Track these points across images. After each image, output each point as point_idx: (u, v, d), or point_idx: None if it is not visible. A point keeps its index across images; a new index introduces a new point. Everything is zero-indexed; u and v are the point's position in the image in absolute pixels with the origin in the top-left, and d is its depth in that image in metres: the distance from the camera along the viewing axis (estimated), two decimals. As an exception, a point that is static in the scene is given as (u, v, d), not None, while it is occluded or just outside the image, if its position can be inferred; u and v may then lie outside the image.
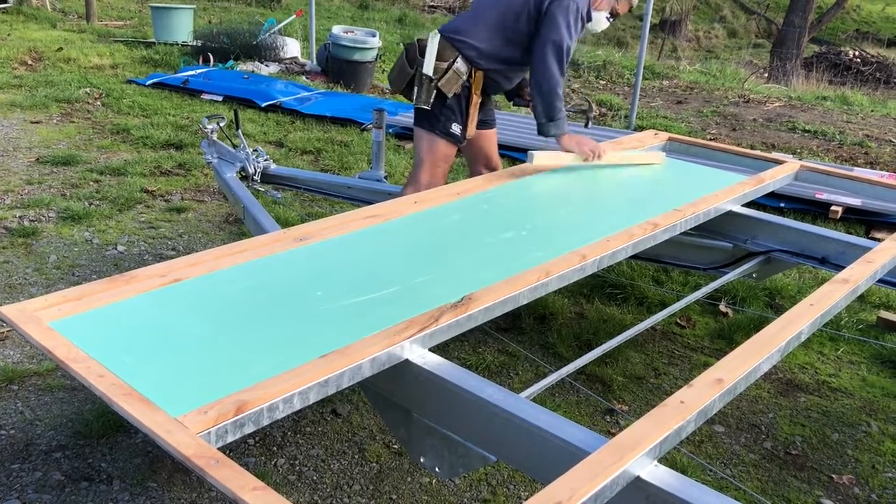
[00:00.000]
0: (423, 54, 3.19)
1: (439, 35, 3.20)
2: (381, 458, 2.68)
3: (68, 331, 1.78)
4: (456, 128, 3.28)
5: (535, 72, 3.18)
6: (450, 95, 3.21)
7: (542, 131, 3.24)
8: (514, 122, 6.59)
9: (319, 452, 2.69)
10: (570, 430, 1.65)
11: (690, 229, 3.00)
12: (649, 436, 1.59)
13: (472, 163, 3.67)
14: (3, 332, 3.25)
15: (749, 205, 3.34)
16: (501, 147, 6.17)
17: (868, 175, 4.92)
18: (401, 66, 3.31)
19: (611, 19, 3.40)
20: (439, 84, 3.18)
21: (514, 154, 6.17)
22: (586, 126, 3.92)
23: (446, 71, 3.18)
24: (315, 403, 2.18)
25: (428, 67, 3.17)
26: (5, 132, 6.03)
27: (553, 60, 3.11)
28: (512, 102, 3.74)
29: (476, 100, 3.29)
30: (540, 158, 3.23)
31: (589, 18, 3.27)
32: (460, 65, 3.19)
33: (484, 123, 3.49)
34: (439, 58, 3.19)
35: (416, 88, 3.24)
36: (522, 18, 3.18)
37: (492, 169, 3.64)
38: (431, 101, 3.22)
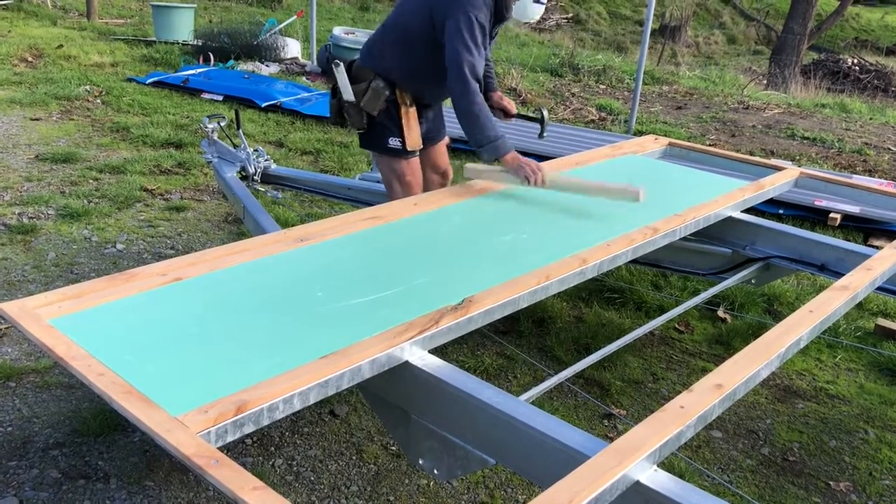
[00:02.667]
0: (337, 82, 3.21)
1: (341, 63, 3.19)
2: (379, 459, 2.68)
3: (68, 328, 1.77)
4: (394, 141, 3.24)
5: (451, 98, 3.04)
6: (375, 113, 3.20)
7: (480, 156, 3.07)
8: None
9: (317, 453, 2.69)
10: (568, 434, 1.66)
11: (690, 234, 3.01)
12: (649, 440, 1.59)
13: (422, 167, 3.62)
14: (1, 329, 3.24)
15: (748, 211, 3.35)
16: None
17: (867, 183, 4.93)
18: (331, 100, 3.34)
19: (544, 2, 3.10)
20: (362, 105, 3.18)
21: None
22: (540, 137, 3.67)
23: (366, 91, 3.17)
24: (313, 404, 2.18)
25: (347, 94, 3.19)
26: (5, 129, 6.02)
27: (458, 83, 2.94)
28: None
29: (405, 110, 3.22)
30: (474, 173, 3.07)
31: (507, 11, 3.06)
32: (378, 83, 3.16)
33: (430, 139, 3.41)
34: (357, 80, 3.18)
35: (346, 116, 3.27)
36: (425, 36, 3.07)
37: (440, 173, 3.61)
38: (364, 122, 3.23)
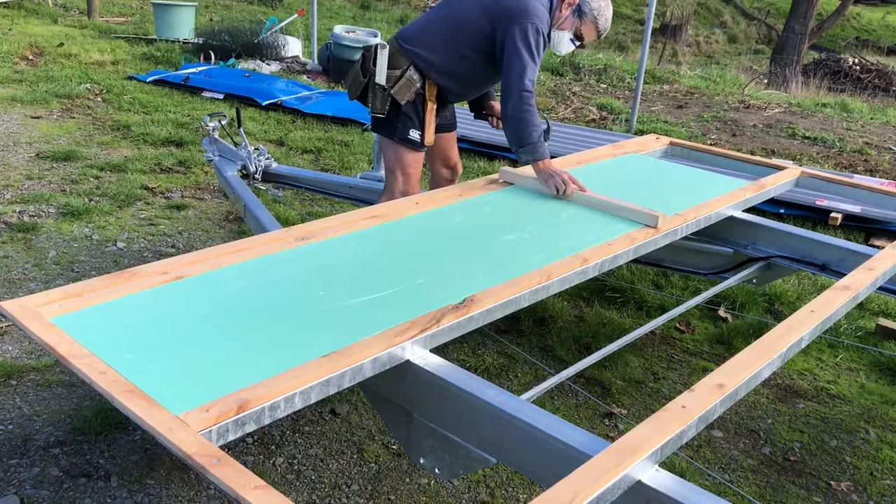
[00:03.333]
0: (375, 63, 3.15)
1: (388, 46, 3.17)
2: (380, 458, 2.68)
3: (70, 327, 1.77)
4: (414, 134, 3.24)
5: (502, 99, 3.10)
6: (403, 103, 3.18)
7: (517, 158, 3.13)
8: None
9: (318, 452, 2.69)
10: (570, 433, 1.66)
11: (691, 234, 3.00)
12: (651, 440, 1.59)
13: (431, 163, 3.66)
14: (2, 328, 3.24)
15: (750, 210, 3.35)
16: (479, 145, 6.23)
17: (869, 182, 4.92)
18: (354, 75, 3.27)
19: (576, 43, 3.25)
20: (392, 92, 3.16)
21: (489, 151, 6.21)
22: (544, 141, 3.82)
23: (399, 79, 3.15)
24: (314, 403, 2.18)
25: (380, 77, 3.15)
26: (6, 127, 6.02)
27: (517, 88, 3.00)
28: (474, 115, 3.71)
29: (430, 106, 3.24)
30: (508, 175, 3.10)
31: (549, 39, 3.17)
32: (412, 73, 3.16)
33: (442, 128, 3.46)
34: (392, 66, 3.15)
35: (370, 96, 3.22)
36: (477, 37, 3.11)
37: (451, 168, 3.65)
38: (387, 108, 3.20)
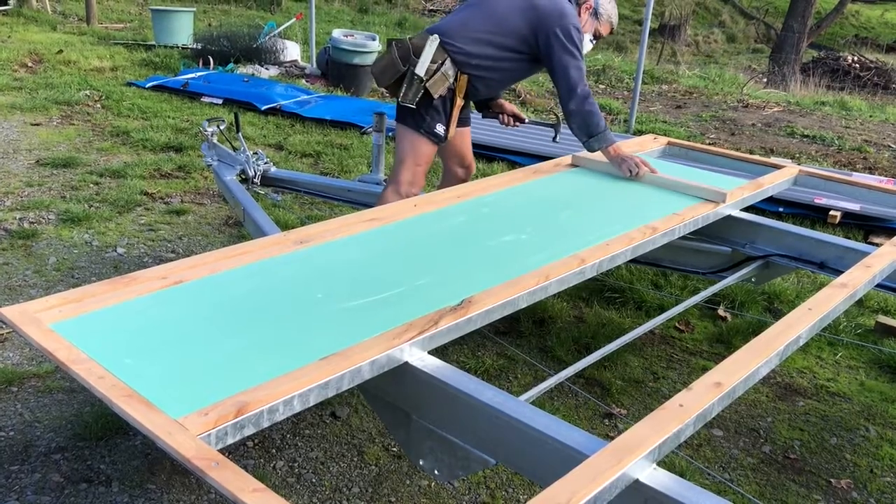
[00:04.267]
0: (417, 54, 3.20)
1: (438, 39, 3.21)
2: (380, 460, 2.69)
3: (69, 332, 1.78)
4: (440, 128, 3.30)
5: (563, 98, 3.26)
6: (436, 96, 3.23)
7: (587, 148, 3.34)
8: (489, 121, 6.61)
9: (318, 455, 2.69)
10: (568, 434, 1.66)
11: (689, 233, 3.01)
12: (648, 439, 1.59)
13: (445, 160, 3.71)
14: (3, 334, 3.25)
15: (748, 209, 3.35)
16: (478, 146, 6.22)
17: (867, 180, 4.93)
18: (390, 63, 3.29)
19: (594, 41, 3.48)
20: (427, 84, 3.20)
21: (487, 153, 6.21)
22: (554, 140, 3.98)
23: (435, 72, 3.20)
24: (314, 406, 2.18)
25: (421, 68, 3.18)
26: (5, 134, 6.03)
27: (574, 82, 3.19)
28: (482, 115, 3.82)
29: (459, 102, 3.32)
30: (580, 160, 3.39)
31: None
32: (448, 67, 3.22)
33: (461, 121, 3.53)
34: (430, 59, 3.21)
35: (404, 86, 3.24)
36: (516, 38, 3.23)
37: (465, 167, 3.71)
38: (418, 100, 3.23)
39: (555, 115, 3.77)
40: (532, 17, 3.19)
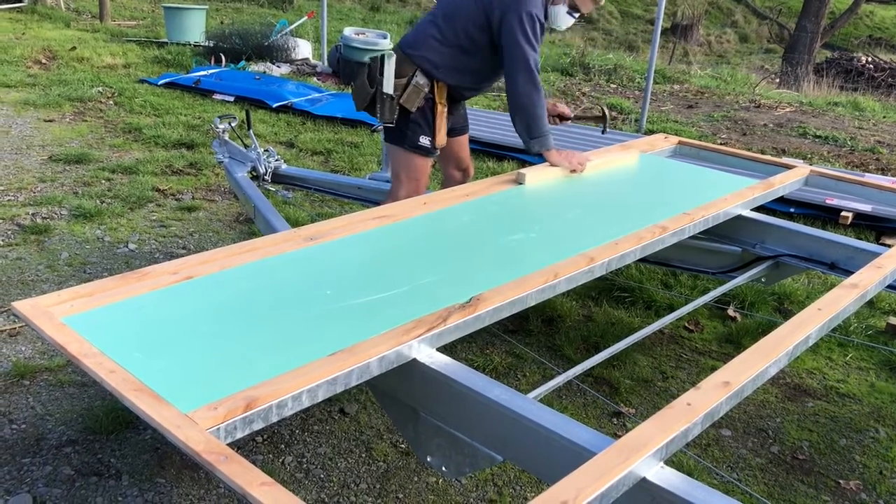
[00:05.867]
0: (382, 73, 3.14)
1: (395, 55, 3.16)
2: (388, 457, 2.70)
3: (80, 326, 1.79)
4: (424, 140, 3.24)
5: (507, 92, 3.12)
6: (413, 110, 3.18)
7: (527, 148, 3.20)
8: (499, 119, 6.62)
9: (327, 451, 2.70)
10: (576, 431, 1.66)
11: (699, 233, 3.00)
12: (655, 437, 1.59)
13: (443, 166, 3.66)
14: (15, 328, 3.28)
15: (759, 209, 3.34)
16: (488, 145, 6.24)
17: (879, 181, 4.89)
18: (361, 85, 3.25)
19: (575, 15, 3.22)
20: (401, 101, 3.15)
21: (497, 152, 6.21)
22: (603, 132, 3.96)
23: (406, 86, 3.14)
24: (323, 402, 2.19)
25: (387, 86, 3.13)
26: (19, 130, 6.08)
27: (521, 78, 3.04)
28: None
29: (441, 109, 3.24)
30: (532, 177, 3.14)
31: (546, 17, 3.15)
32: (420, 79, 3.15)
33: (454, 131, 3.45)
34: (398, 75, 3.15)
35: (378, 106, 3.20)
36: (474, 28, 3.11)
37: (463, 171, 3.65)
38: (395, 117, 3.18)
39: (602, 107, 3.72)
40: (486, 2, 3.05)
